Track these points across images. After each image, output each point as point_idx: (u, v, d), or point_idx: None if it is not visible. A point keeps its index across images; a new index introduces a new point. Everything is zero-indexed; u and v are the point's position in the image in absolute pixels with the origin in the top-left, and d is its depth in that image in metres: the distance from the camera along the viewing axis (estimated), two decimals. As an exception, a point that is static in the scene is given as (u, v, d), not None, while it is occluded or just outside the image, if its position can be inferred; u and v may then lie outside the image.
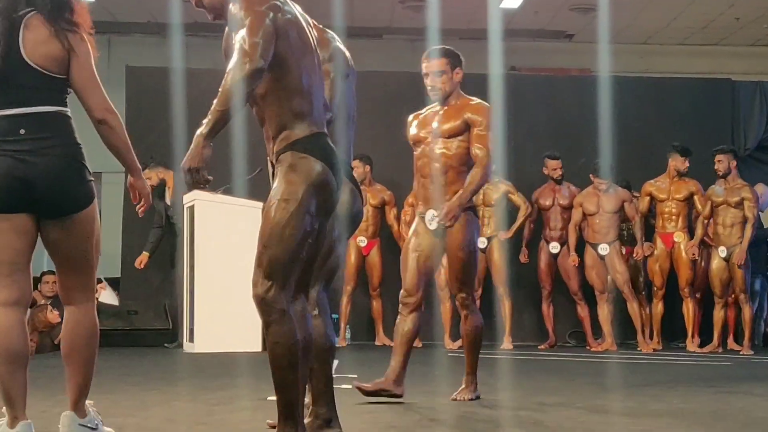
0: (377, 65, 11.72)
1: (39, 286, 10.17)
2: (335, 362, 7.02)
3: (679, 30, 14.33)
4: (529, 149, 11.53)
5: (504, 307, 10.50)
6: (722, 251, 10.03)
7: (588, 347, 10.61)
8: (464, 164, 5.73)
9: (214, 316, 9.47)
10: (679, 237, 10.29)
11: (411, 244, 5.79)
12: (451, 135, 5.73)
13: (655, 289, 10.47)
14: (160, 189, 10.41)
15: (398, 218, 10.71)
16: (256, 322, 10.00)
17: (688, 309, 10.33)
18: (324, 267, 4.06)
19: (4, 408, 3.70)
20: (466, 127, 5.73)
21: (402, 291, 5.76)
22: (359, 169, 10.14)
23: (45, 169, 3.65)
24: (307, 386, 3.79)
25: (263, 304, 3.48)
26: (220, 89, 3.37)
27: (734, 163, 10.07)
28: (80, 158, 3.75)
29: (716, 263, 10.11)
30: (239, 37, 3.41)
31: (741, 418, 5.08)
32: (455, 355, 9.13)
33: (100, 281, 10.28)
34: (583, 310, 10.71)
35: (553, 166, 10.83)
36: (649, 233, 10.54)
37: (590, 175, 10.48)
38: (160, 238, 10.77)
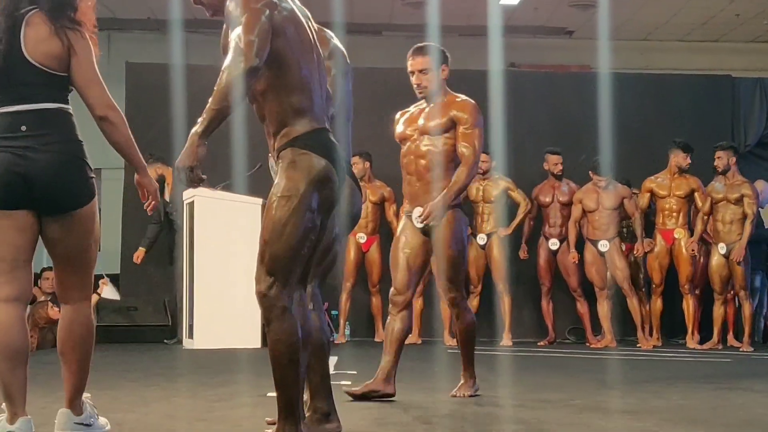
0: (377, 62, 11.70)
1: (39, 282, 10.17)
2: (335, 358, 7.03)
3: (679, 26, 14.32)
4: (528, 146, 11.53)
5: (503, 303, 10.50)
6: (722, 248, 10.03)
7: (588, 344, 10.61)
8: (451, 161, 5.69)
9: (214, 313, 9.47)
10: (680, 234, 10.28)
11: (400, 243, 5.77)
12: (437, 132, 5.69)
13: (654, 285, 10.47)
14: (158, 185, 10.41)
15: (398, 215, 10.68)
16: (255, 318, 10.09)
17: (688, 306, 10.33)
18: (322, 263, 4.06)
19: (4, 404, 3.70)
20: (453, 125, 5.69)
21: (392, 289, 5.74)
22: (359, 165, 10.14)
23: (45, 165, 3.66)
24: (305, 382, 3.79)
25: (265, 300, 3.47)
26: (215, 87, 3.37)
27: (734, 159, 10.06)
28: (81, 155, 3.76)
29: (716, 260, 10.11)
30: (235, 35, 3.41)
31: (741, 414, 5.08)
32: (455, 352, 9.09)
33: (102, 277, 10.29)
34: (582, 307, 10.72)
35: (554, 161, 10.83)
36: (649, 230, 10.53)
37: (590, 172, 10.48)
38: (157, 234, 10.76)
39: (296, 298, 3.56)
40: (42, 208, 3.72)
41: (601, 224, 10.37)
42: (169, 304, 10.81)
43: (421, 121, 5.76)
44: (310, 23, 3.74)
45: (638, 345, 10.29)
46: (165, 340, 10.54)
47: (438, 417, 4.94)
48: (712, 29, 14.44)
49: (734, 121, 12.52)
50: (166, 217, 10.64)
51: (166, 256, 10.96)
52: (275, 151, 3.62)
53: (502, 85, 10.73)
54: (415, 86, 5.76)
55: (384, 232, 10.80)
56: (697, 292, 10.50)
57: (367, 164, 10.51)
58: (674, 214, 10.34)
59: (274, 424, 3.70)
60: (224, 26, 3.60)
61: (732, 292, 10.44)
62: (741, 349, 10.02)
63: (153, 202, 4.01)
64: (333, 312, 10.72)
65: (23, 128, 3.68)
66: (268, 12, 3.46)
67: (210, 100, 3.37)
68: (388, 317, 5.74)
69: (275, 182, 3.57)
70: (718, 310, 10.27)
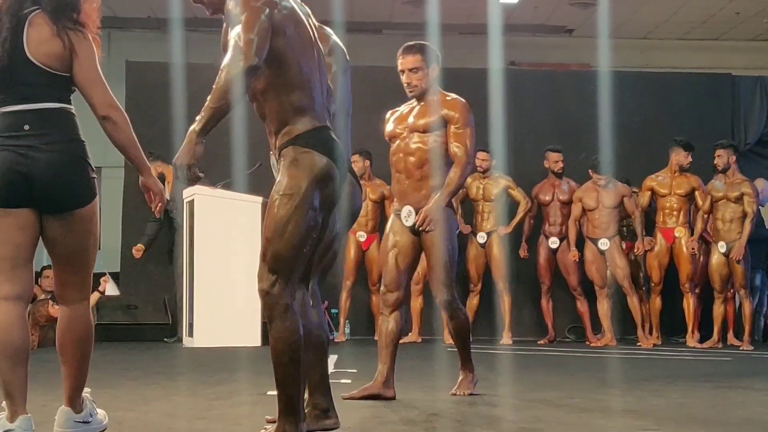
0: (377, 60, 11.68)
1: (39, 280, 10.16)
2: (335, 357, 7.03)
3: (679, 25, 14.31)
4: (529, 145, 11.54)
5: (503, 302, 10.50)
6: (722, 246, 10.03)
7: (587, 342, 10.62)
8: (440, 159, 5.64)
9: (214, 311, 9.47)
10: (680, 232, 10.28)
11: (389, 242, 5.73)
12: (427, 130, 5.65)
13: (653, 284, 10.47)
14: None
15: (398, 213, 10.70)
16: (255, 317, 10.07)
17: (689, 304, 10.33)
18: (322, 260, 4.06)
19: (4, 402, 3.70)
20: (443, 123, 5.65)
21: (382, 288, 5.71)
22: (359, 163, 10.14)
23: (47, 164, 3.68)
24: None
25: (268, 298, 3.47)
26: (214, 85, 3.37)
27: (734, 158, 10.07)
28: (83, 155, 3.78)
29: (716, 258, 10.12)
30: (234, 34, 3.41)
31: (741, 413, 5.08)
32: (455, 350, 9.11)
33: (104, 275, 10.29)
34: (582, 306, 10.72)
35: (554, 159, 10.83)
36: (650, 228, 10.53)
37: (589, 171, 10.48)
38: (157, 232, 10.77)
39: (299, 296, 3.57)
40: (43, 207, 3.73)
41: (601, 223, 10.37)
42: (169, 303, 10.81)
43: (411, 119, 5.72)
44: (310, 21, 3.74)
45: (638, 344, 10.29)
46: (165, 339, 10.54)
47: (438, 416, 4.94)
48: (713, 28, 14.44)
49: (734, 119, 12.53)
50: (166, 215, 10.64)
51: (166, 254, 10.97)
52: (276, 149, 3.62)
53: (502, 84, 10.73)
54: (405, 85, 5.71)
55: (384, 231, 10.79)
56: (697, 290, 10.50)
57: (367, 162, 10.51)
58: (675, 212, 10.34)
59: (274, 422, 3.71)
60: (224, 25, 3.60)
61: (732, 291, 10.44)
62: (741, 348, 10.02)
63: (160, 204, 4.00)
64: (333, 310, 10.72)
65: (26, 127, 3.70)
66: (267, 11, 3.46)
67: (209, 98, 3.38)
68: (381, 317, 5.72)
69: (277, 180, 3.57)
70: (718, 309, 10.27)
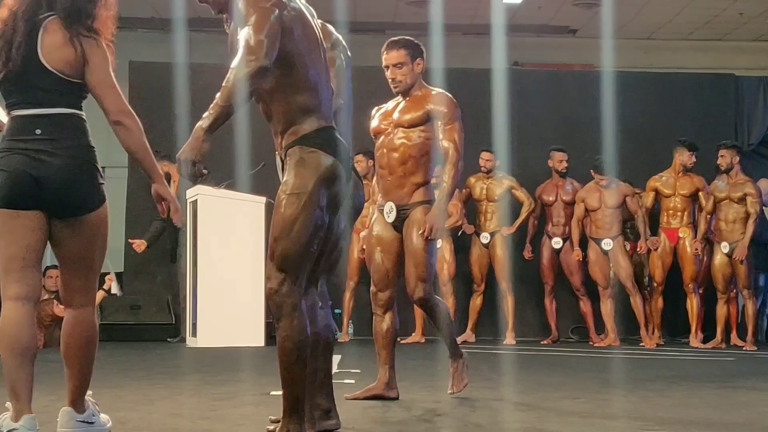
0: (380, 60, 11.69)
1: (43, 280, 10.17)
2: (338, 357, 7.03)
3: (682, 25, 14.30)
4: (532, 145, 11.53)
5: (507, 302, 10.51)
6: (725, 247, 10.03)
7: (591, 342, 10.61)
8: (424, 155, 5.57)
9: (217, 311, 9.46)
10: (684, 233, 10.28)
11: (373, 240, 5.68)
12: (411, 125, 5.58)
13: (656, 284, 10.47)
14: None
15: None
16: (258, 316, 10.05)
17: (692, 305, 10.32)
18: (328, 260, 4.07)
19: (8, 403, 3.71)
20: (428, 118, 5.57)
21: (372, 288, 5.69)
22: (362, 163, 10.13)
23: (57, 169, 3.71)
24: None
25: (276, 297, 3.48)
26: (223, 84, 3.37)
27: (737, 158, 10.06)
28: (92, 160, 3.81)
29: (719, 259, 10.11)
30: (244, 34, 3.41)
31: (744, 413, 5.08)
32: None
33: (107, 273, 10.29)
34: (585, 306, 10.72)
35: (559, 158, 10.82)
36: (653, 229, 10.53)
37: (591, 171, 10.47)
38: (161, 231, 10.77)
39: (309, 298, 3.58)
40: (51, 211, 3.76)
41: (605, 223, 10.37)
42: (172, 303, 10.82)
43: (396, 115, 5.65)
44: (314, 21, 3.75)
45: (641, 344, 10.28)
46: (168, 339, 10.55)
47: (440, 415, 4.94)
48: (716, 28, 14.42)
49: (738, 119, 12.52)
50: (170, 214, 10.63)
51: (170, 254, 10.97)
52: (282, 149, 3.63)
53: (505, 84, 10.73)
54: (390, 81, 5.65)
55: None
56: (700, 291, 10.50)
57: (371, 162, 10.48)
58: (678, 213, 10.33)
59: (278, 422, 3.71)
60: (232, 25, 3.61)
61: (735, 291, 10.44)
62: (744, 348, 10.02)
63: (177, 213, 4.02)
64: (336, 310, 10.72)
65: (38, 132, 3.74)
66: (277, 12, 3.47)
67: (218, 95, 3.38)
68: (375, 318, 5.70)
69: (284, 180, 3.58)
70: (721, 309, 10.27)
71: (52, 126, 3.75)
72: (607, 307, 10.41)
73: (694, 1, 13.28)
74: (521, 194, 10.80)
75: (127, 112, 3.82)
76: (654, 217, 10.59)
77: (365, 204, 5.63)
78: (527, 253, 10.97)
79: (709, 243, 10.45)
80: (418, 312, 10.53)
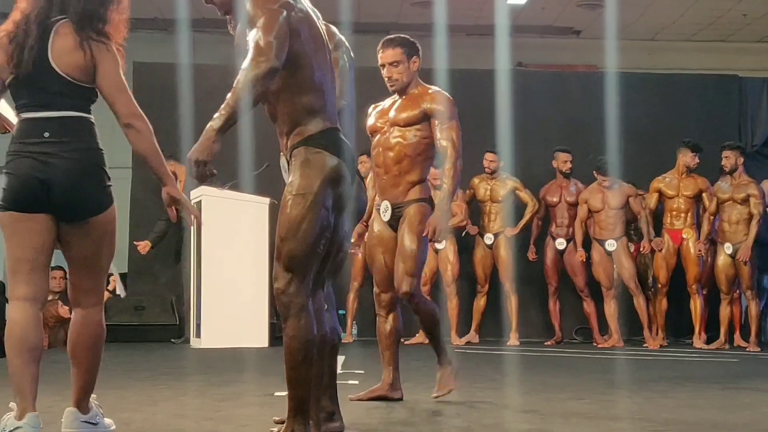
0: (384, 61, 11.70)
1: (47, 281, 10.20)
2: (342, 358, 7.03)
3: (686, 26, 14.31)
4: (536, 146, 11.52)
5: (510, 303, 10.51)
6: (728, 248, 10.03)
7: (595, 343, 10.61)
8: (420, 153, 5.52)
9: (221, 312, 9.47)
10: (688, 234, 10.27)
11: (373, 240, 5.65)
12: (407, 124, 5.52)
13: (660, 285, 10.47)
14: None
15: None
16: (262, 317, 10.05)
17: (695, 306, 10.32)
18: (334, 261, 4.07)
19: (11, 404, 3.73)
20: (425, 117, 5.51)
21: (375, 289, 5.67)
22: (366, 164, 10.12)
23: (65, 172, 3.73)
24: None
25: (284, 297, 3.48)
26: (234, 85, 3.38)
27: (741, 159, 10.05)
28: (100, 163, 3.83)
29: (722, 260, 10.11)
30: (254, 36, 3.42)
31: (748, 414, 5.08)
32: (462, 352, 9.14)
33: (111, 274, 10.30)
34: (589, 307, 10.71)
35: (563, 159, 10.81)
36: (657, 230, 10.51)
37: (594, 172, 10.47)
38: (165, 231, 10.77)
39: (317, 300, 3.58)
40: (59, 215, 3.78)
41: (608, 224, 10.37)
42: (176, 303, 10.82)
43: (392, 114, 5.60)
44: (320, 22, 3.76)
45: (645, 345, 10.28)
46: (172, 339, 10.56)
47: (444, 417, 4.94)
48: (720, 29, 14.43)
49: (741, 120, 12.52)
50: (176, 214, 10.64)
51: (174, 255, 10.98)
52: (288, 150, 3.63)
53: (509, 85, 10.73)
54: (386, 79, 5.60)
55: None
56: (704, 292, 10.49)
57: (374, 164, 10.49)
58: (682, 214, 10.33)
59: (282, 422, 3.71)
60: (238, 26, 3.61)
61: (738, 292, 10.43)
62: (748, 349, 10.01)
63: (195, 218, 4.04)
64: (340, 311, 10.72)
65: (46, 134, 3.76)
66: (285, 13, 3.48)
67: (228, 96, 3.38)
68: (378, 319, 5.68)
69: (289, 181, 3.58)
70: (724, 310, 10.26)
71: (61, 129, 3.77)
72: (611, 308, 10.41)
73: (698, 2, 13.29)
74: (525, 195, 10.80)
75: (138, 116, 3.84)
76: (657, 218, 10.58)
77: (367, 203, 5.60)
78: (531, 254, 10.97)
79: (713, 244, 10.44)
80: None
